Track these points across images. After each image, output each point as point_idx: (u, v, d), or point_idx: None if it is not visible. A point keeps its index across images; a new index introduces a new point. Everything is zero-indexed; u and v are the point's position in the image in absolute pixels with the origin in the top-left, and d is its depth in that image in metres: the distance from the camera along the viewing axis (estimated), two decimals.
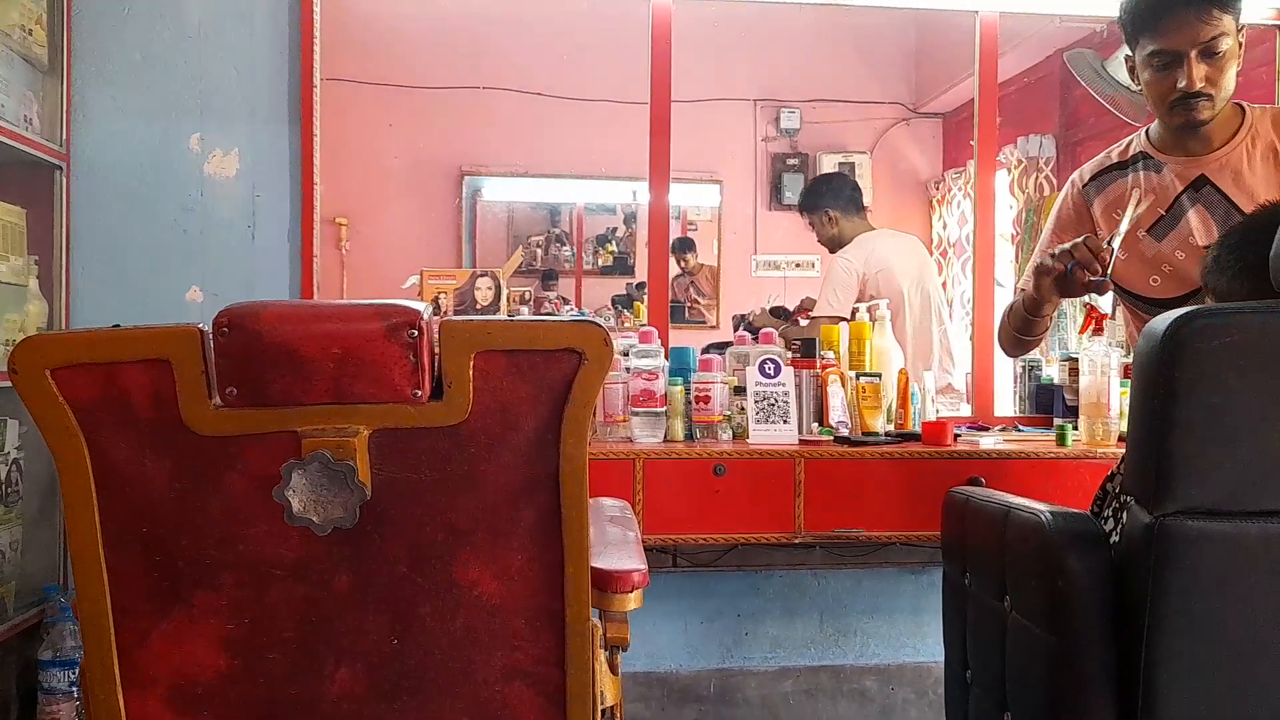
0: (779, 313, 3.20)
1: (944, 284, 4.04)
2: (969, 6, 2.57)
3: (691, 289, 4.28)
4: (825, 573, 2.53)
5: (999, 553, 1.43)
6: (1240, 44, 1.67)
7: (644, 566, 1.14)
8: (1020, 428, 2.45)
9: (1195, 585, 1.17)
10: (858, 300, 2.88)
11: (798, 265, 4.01)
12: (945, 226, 4.19)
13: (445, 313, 2.57)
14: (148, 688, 0.99)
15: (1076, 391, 2.21)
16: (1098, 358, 2.07)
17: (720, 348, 2.45)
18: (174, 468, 0.96)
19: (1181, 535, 1.17)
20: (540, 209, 4.29)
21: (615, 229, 4.32)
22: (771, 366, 2.09)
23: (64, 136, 2.28)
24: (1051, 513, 1.30)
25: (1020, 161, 3.67)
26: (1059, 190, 2.03)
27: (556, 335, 0.96)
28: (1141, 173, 1.79)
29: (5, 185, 2.16)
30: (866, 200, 4.23)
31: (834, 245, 3.14)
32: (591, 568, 1.01)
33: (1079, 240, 1.62)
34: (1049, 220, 1.93)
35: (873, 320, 2.34)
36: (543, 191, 4.27)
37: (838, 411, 2.14)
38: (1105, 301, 2.22)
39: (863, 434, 2.14)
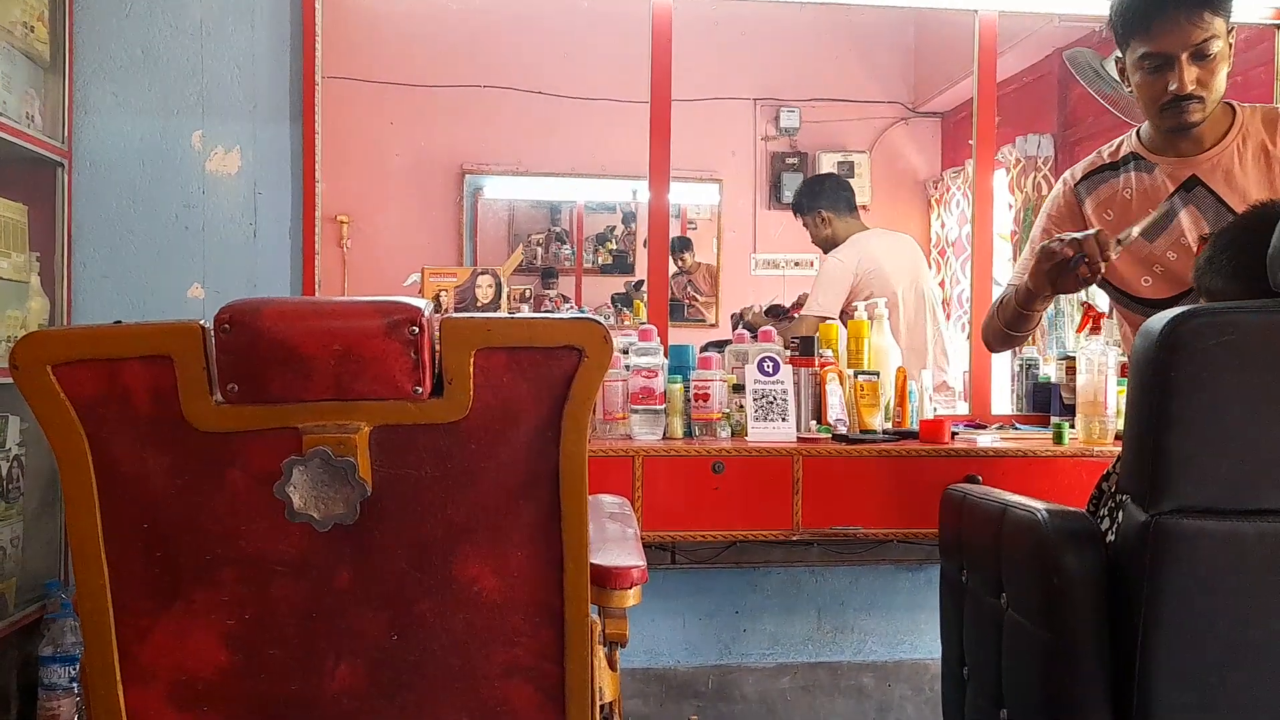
0: (773, 311, 3.21)
1: (941, 283, 4.05)
2: (968, 5, 2.57)
3: (689, 287, 4.29)
4: (823, 570, 2.53)
5: (995, 550, 1.44)
6: (1230, 45, 1.66)
7: (643, 563, 1.14)
8: (1017, 426, 2.46)
9: (1191, 583, 1.18)
10: (852, 300, 2.89)
11: (797, 264, 4.02)
12: (944, 226, 4.19)
13: (446, 310, 2.58)
14: (148, 683, 1.00)
15: (1074, 390, 2.21)
16: (1095, 356, 2.07)
17: (719, 346, 2.46)
18: (175, 464, 0.96)
19: (1177, 534, 1.17)
20: (540, 207, 4.29)
21: (614, 228, 4.33)
22: (770, 364, 2.09)
23: (66, 133, 2.29)
24: (1048, 510, 1.31)
25: (1019, 161, 3.68)
26: None
27: (556, 332, 0.96)
28: (1133, 173, 1.79)
29: (7, 182, 2.16)
30: (865, 199, 4.25)
31: (828, 245, 3.15)
32: (591, 564, 1.02)
33: (1091, 232, 1.59)
34: (1039, 218, 1.92)
35: (871, 319, 2.34)
36: (543, 190, 4.28)
37: (836, 409, 2.15)
38: (1103, 300, 2.22)
39: (861, 432, 2.15)
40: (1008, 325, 1.84)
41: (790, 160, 4.30)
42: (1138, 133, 1.82)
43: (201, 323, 0.94)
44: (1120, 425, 2.03)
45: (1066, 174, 1.90)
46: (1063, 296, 2.99)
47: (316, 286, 2.40)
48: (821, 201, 3.16)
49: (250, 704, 1.00)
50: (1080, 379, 2.13)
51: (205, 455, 0.96)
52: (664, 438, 2.10)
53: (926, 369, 2.69)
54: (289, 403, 0.94)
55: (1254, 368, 1.16)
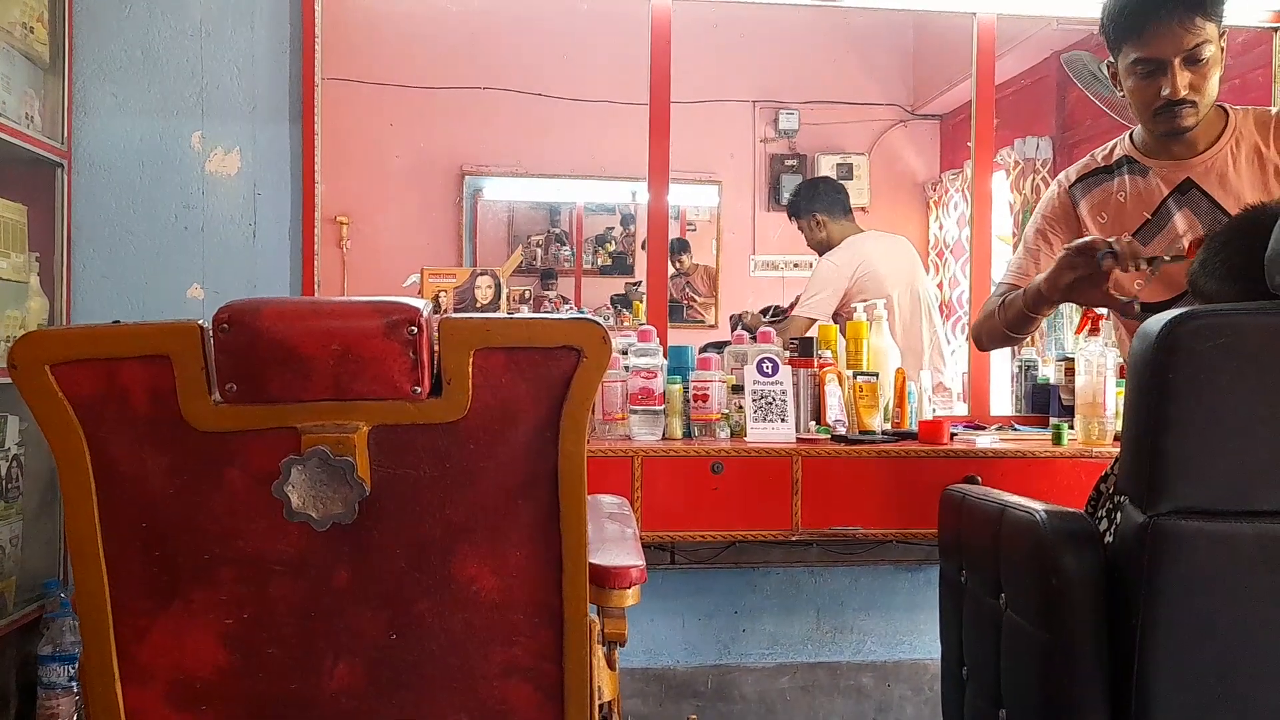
0: (768, 312, 3.22)
1: (940, 285, 4.06)
2: (967, 8, 2.58)
3: (687, 288, 4.29)
4: (822, 570, 2.53)
5: (994, 551, 1.44)
6: (1223, 49, 1.66)
7: (642, 563, 1.15)
8: (1016, 427, 2.46)
9: (1189, 585, 1.18)
10: (847, 302, 2.89)
11: (796, 265, 4.02)
12: (942, 228, 4.20)
13: (445, 311, 2.58)
14: (147, 683, 1.00)
15: (1072, 391, 2.22)
16: (1094, 358, 2.07)
17: (718, 347, 2.46)
18: (173, 464, 0.96)
19: (1175, 535, 1.17)
20: (540, 209, 4.29)
21: (613, 229, 4.33)
22: (769, 365, 2.10)
23: (65, 134, 2.29)
24: (1046, 511, 1.31)
25: (1017, 163, 3.68)
26: None
27: (555, 333, 0.97)
28: (1126, 176, 1.78)
29: (6, 182, 2.16)
30: (864, 202, 4.25)
31: (823, 249, 3.16)
32: (590, 564, 1.02)
33: (1125, 238, 1.56)
34: (1033, 219, 1.90)
35: (870, 320, 2.35)
36: (543, 191, 4.28)
37: (835, 410, 2.15)
38: None
39: (860, 432, 2.15)
40: (1010, 327, 1.81)
41: (789, 162, 4.30)
42: (1131, 136, 1.82)
43: (200, 322, 0.94)
44: (1119, 426, 2.03)
45: (1061, 176, 1.90)
46: None
47: (316, 287, 2.40)
48: (816, 205, 3.17)
49: (248, 703, 1.01)
50: (1079, 380, 2.13)
51: (204, 455, 0.96)
52: (663, 438, 2.10)
53: (923, 370, 2.69)
54: (288, 402, 0.94)
55: (1252, 369, 1.16)
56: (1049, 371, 2.50)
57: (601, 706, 1.12)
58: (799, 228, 3.23)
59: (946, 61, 3.90)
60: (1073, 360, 2.24)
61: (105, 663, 0.98)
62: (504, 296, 2.63)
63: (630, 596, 1.12)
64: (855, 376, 2.21)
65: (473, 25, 3.82)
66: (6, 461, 2.10)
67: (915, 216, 4.34)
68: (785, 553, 2.47)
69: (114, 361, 0.94)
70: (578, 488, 0.98)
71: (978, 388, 2.59)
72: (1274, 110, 1.75)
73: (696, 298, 4.31)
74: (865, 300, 2.48)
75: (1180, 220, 1.72)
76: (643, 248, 3.73)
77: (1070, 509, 1.34)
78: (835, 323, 2.66)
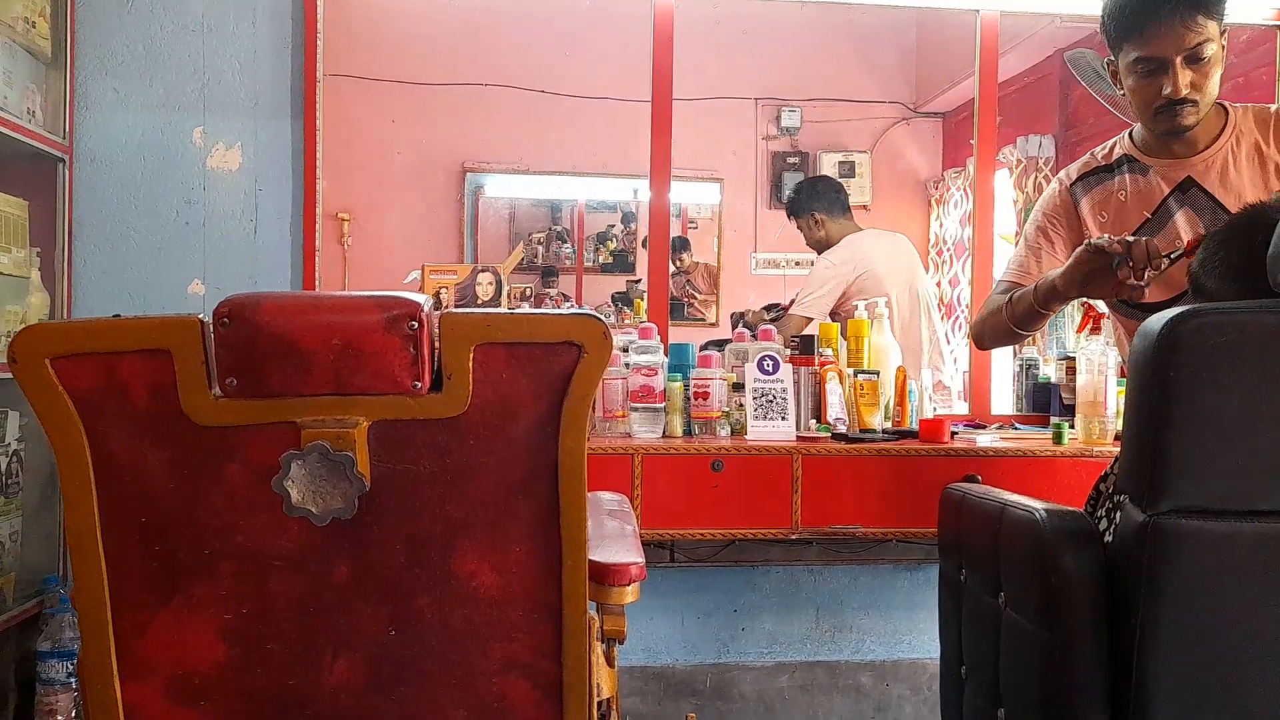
0: (769, 310, 3.22)
1: (938, 283, 4.06)
2: (970, 6, 2.57)
3: (688, 286, 4.29)
4: (822, 569, 2.53)
5: (994, 549, 1.44)
6: (1223, 48, 1.66)
7: (641, 560, 1.14)
8: (1017, 426, 2.46)
9: (1189, 584, 1.18)
10: (845, 301, 2.89)
11: (797, 264, 4.02)
12: (942, 225, 4.19)
13: (446, 307, 2.58)
14: (146, 678, 1.00)
15: (1073, 390, 2.21)
16: (1095, 357, 2.07)
17: (719, 345, 2.46)
18: (173, 458, 0.96)
19: (1175, 534, 1.17)
20: (541, 206, 4.29)
21: (614, 227, 4.33)
22: (770, 363, 2.09)
23: (67, 129, 2.29)
24: (1046, 510, 1.31)
25: (1020, 161, 3.68)
26: None
27: (556, 328, 0.96)
28: (1127, 175, 1.78)
29: (8, 177, 2.16)
30: (866, 199, 4.25)
31: (822, 247, 3.16)
32: (589, 561, 1.02)
33: (1142, 239, 1.55)
34: (1033, 218, 1.89)
35: (872, 318, 2.34)
36: (544, 188, 4.28)
37: (835, 408, 2.15)
38: (1101, 301, 2.22)
39: (860, 431, 2.15)
40: (1018, 323, 1.79)
41: (791, 160, 4.30)
42: (1130, 134, 1.81)
43: (200, 316, 0.94)
44: (1119, 426, 2.03)
45: (1061, 174, 1.89)
46: None
47: (317, 283, 2.40)
48: (814, 204, 3.17)
49: (248, 698, 1.00)
50: (1080, 379, 2.13)
51: (203, 449, 0.96)
52: (663, 436, 2.10)
53: (924, 369, 2.69)
54: (288, 397, 0.94)
55: (1253, 368, 1.16)
56: (1050, 370, 2.50)
57: (600, 704, 1.12)
58: (798, 226, 3.23)
59: (949, 59, 3.90)
60: (1074, 359, 2.24)
61: (104, 658, 0.98)
62: (505, 293, 2.63)
63: (630, 594, 1.12)
64: (856, 375, 2.21)
65: (475, 22, 3.82)
66: (6, 457, 2.10)
67: (917, 215, 4.34)
68: (785, 551, 2.47)
69: (114, 355, 0.94)
70: (578, 484, 0.98)
71: (979, 386, 2.58)
72: (1273, 108, 1.75)
73: (697, 295, 4.31)
74: (864, 299, 2.48)
75: (1181, 219, 1.72)
76: (644, 245, 3.73)
77: (1070, 508, 1.34)
78: (835, 321, 2.66)
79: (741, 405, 2.13)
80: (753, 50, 3.98)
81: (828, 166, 4.25)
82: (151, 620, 0.99)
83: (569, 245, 4.26)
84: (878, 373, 2.22)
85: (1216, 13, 1.61)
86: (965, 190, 3.83)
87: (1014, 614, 1.37)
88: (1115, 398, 2.07)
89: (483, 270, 2.62)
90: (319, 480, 0.94)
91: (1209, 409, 1.16)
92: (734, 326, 3.16)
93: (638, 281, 4.11)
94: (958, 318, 3.79)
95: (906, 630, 2.56)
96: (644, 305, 2.50)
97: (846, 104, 4.25)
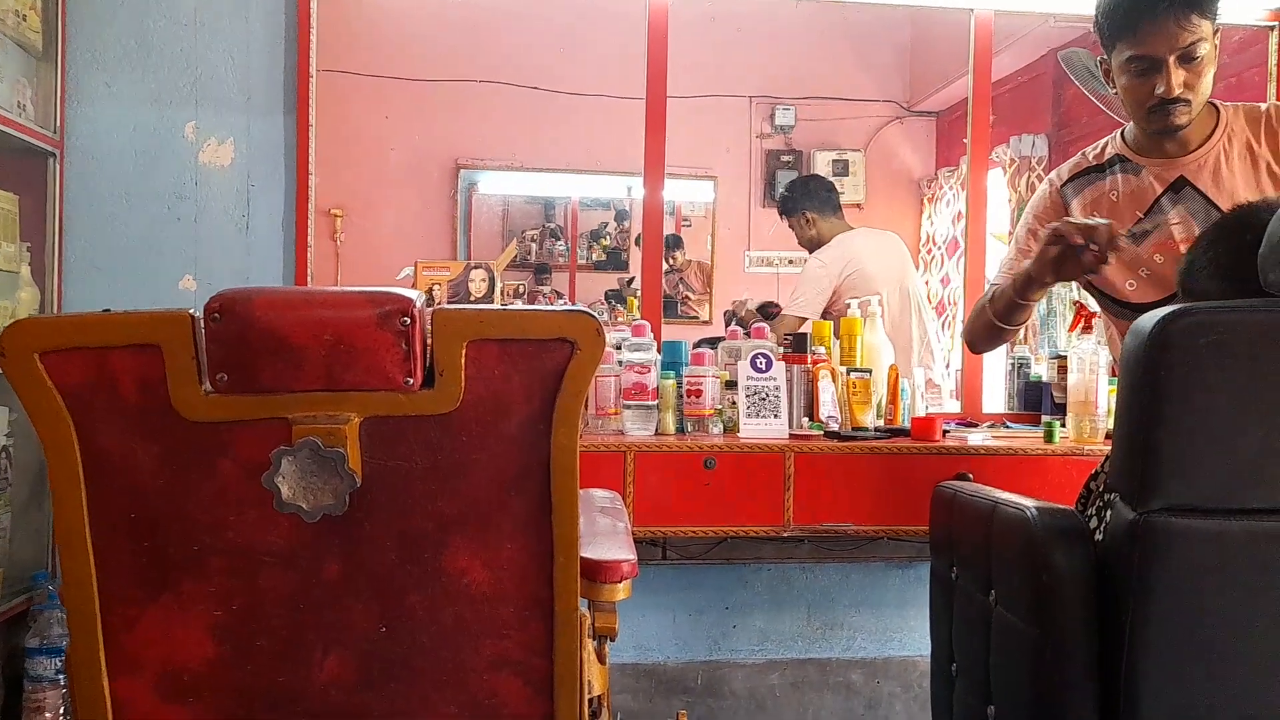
0: (765, 309, 3.22)
1: (927, 282, 4.06)
2: (964, 4, 2.57)
3: (681, 284, 4.29)
4: (813, 566, 2.53)
5: (985, 547, 1.44)
6: (1216, 47, 1.66)
7: (633, 557, 1.14)
8: (1009, 424, 2.46)
9: (1179, 582, 1.18)
10: (836, 300, 2.89)
11: (791, 262, 4.02)
12: (933, 224, 4.20)
13: (439, 303, 2.57)
14: (135, 674, 0.99)
15: (1065, 389, 2.22)
16: (1086, 356, 2.08)
17: (712, 342, 2.46)
18: (163, 453, 0.96)
19: (1166, 532, 1.17)
20: (535, 203, 4.29)
21: (608, 224, 4.32)
22: (763, 361, 2.10)
23: (58, 123, 2.28)
24: (1037, 508, 1.31)
25: (1013, 160, 3.69)
26: None
27: (549, 324, 0.96)
28: (1119, 175, 1.78)
29: None
30: (860, 198, 4.26)
31: (813, 246, 3.16)
32: (581, 558, 1.01)
33: (1104, 222, 1.57)
34: (1023, 218, 1.90)
35: (864, 316, 2.35)
36: (538, 186, 4.28)
37: (828, 406, 2.15)
38: (1093, 300, 2.23)
39: (852, 429, 2.15)
40: (1000, 317, 1.80)
41: (785, 158, 4.30)
42: (1122, 134, 1.81)
43: (191, 311, 0.93)
44: (1110, 425, 2.04)
45: (1052, 175, 1.90)
46: (1054, 296, 2.99)
47: (309, 279, 2.39)
48: (806, 203, 3.18)
49: (237, 695, 1.00)
50: (1071, 378, 2.14)
51: (194, 445, 0.95)
52: (656, 433, 2.10)
53: (915, 367, 2.69)
54: (279, 393, 0.94)
55: (1244, 367, 1.16)
56: (1041, 369, 2.51)
57: (591, 701, 1.12)
58: (790, 225, 3.24)
59: (943, 58, 3.91)
60: (1065, 358, 2.25)
61: (92, 654, 0.98)
62: (498, 290, 2.62)
63: (621, 591, 1.12)
64: (849, 373, 2.21)
65: (471, 19, 3.81)
66: None
67: (910, 213, 4.35)
68: (777, 549, 2.48)
69: (104, 350, 0.94)
70: (570, 481, 0.98)
71: (970, 385, 2.59)
72: (1264, 106, 1.75)
73: (691, 293, 4.31)
74: (855, 297, 2.48)
75: (1174, 218, 1.72)
76: (637, 243, 3.72)
77: (1061, 506, 1.34)
78: (828, 319, 2.67)
79: (734, 403, 2.13)
80: (747, 48, 3.99)
81: (822, 165, 4.26)
82: (140, 616, 0.98)
83: (562, 242, 4.26)
84: (870, 371, 2.23)
85: (1210, 12, 1.61)
86: (957, 189, 3.84)
87: (1005, 612, 1.38)
88: (1106, 397, 2.08)
89: (476, 267, 2.61)
90: (310, 476, 0.93)
91: (1200, 408, 1.17)
92: (727, 324, 3.16)
93: (631, 279, 4.11)
94: (948, 317, 3.80)
95: (897, 628, 2.57)
96: (637, 303, 2.50)
97: (841, 102, 4.25)
